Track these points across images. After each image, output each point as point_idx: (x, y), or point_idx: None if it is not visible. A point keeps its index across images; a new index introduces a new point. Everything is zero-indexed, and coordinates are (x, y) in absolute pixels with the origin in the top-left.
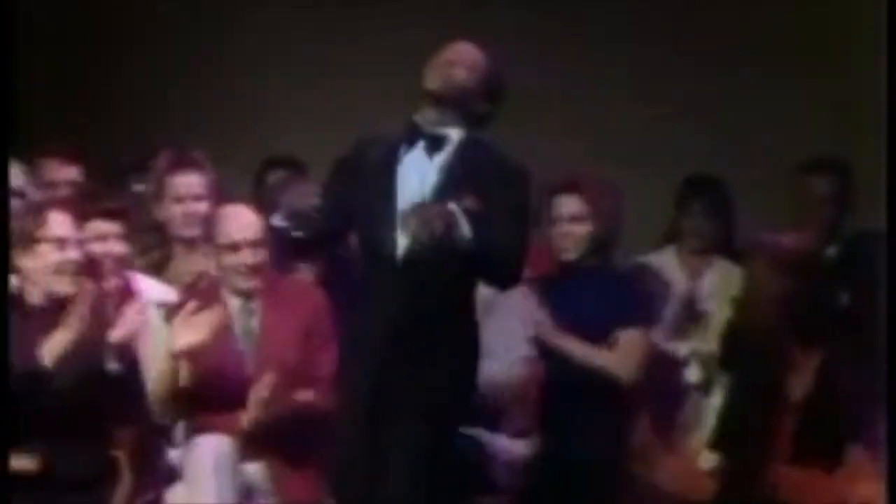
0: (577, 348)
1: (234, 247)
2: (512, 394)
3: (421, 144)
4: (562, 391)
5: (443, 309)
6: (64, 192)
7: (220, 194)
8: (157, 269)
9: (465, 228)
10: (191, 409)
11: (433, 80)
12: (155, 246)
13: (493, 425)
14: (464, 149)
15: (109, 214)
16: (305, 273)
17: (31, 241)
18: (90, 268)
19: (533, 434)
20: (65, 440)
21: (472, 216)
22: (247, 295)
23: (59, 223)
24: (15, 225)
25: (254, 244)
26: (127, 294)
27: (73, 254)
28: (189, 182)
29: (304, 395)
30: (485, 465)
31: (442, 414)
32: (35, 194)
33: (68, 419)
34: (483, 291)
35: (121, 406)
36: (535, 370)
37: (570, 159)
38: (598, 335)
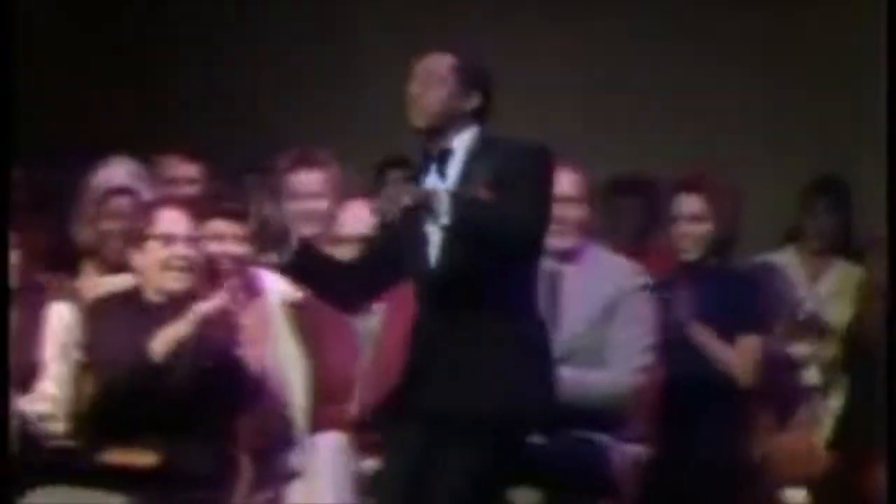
0: (710, 343)
1: (351, 241)
2: (628, 403)
3: (433, 167)
4: (680, 395)
5: (489, 319)
6: (182, 189)
7: (342, 192)
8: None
9: (442, 211)
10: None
11: (414, 118)
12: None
13: (612, 429)
14: (473, 150)
15: (229, 215)
16: None
17: (140, 238)
18: (207, 266)
19: (652, 438)
20: (185, 436)
21: (486, 204)
22: None
23: (168, 220)
24: (125, 222)
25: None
26: (251, 292)
27: (181, 250)
28: (309, 180)
29: None
30: (603, 469)
31: (498, 420)
32: (147, 191)
33: (188, 415)
34: (603, 297)
35: (237, 404)
36: (654, 375)
37: (689, 157)
38: (718, 336)
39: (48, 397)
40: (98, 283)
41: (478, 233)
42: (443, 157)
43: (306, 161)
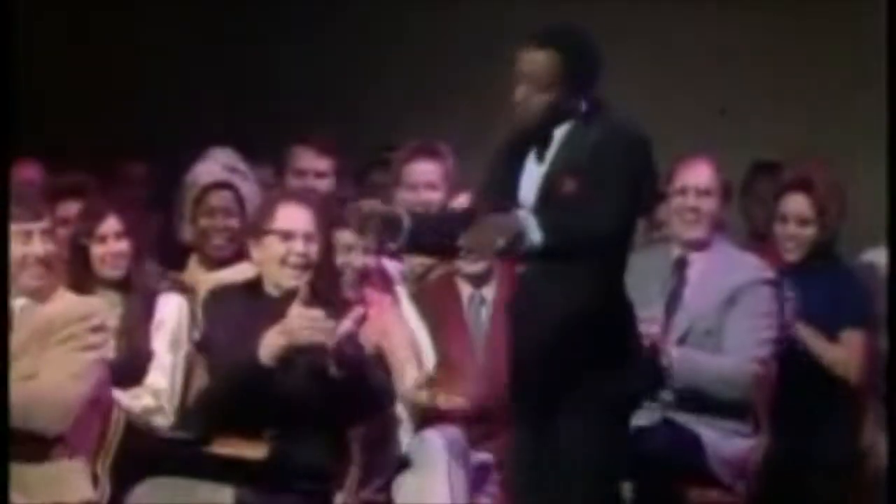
0: (815, 342)
1: None
2: (743, 392)
3: (533, 150)
4: (792, 391)
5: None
6: (311, 182)
7: (456, 184)
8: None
9: (534, 235)
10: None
11: (519, 120)
12: None
13: (724, 422)
14: (570, 138)
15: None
16: None
17: (260, 232)
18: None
19: (763, 433)
20: (296, 428)
21: (567, 202)
22: (477, 282)
23: (289, 216)
24: (224, 218)
25: None
26: (382, 286)
27: (300, 247)
28: (424, 170)
29: None
30: (713, 463)
31: (597, 406)
32: (245, 184)
33: (299, 408)
34: (727, 286)
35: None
36: (768, 369)
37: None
38: (824, 333)
39: (155, 390)
40: (215, 274)
41: (567, 248)
42: (544, 143)
43: (424, 152)
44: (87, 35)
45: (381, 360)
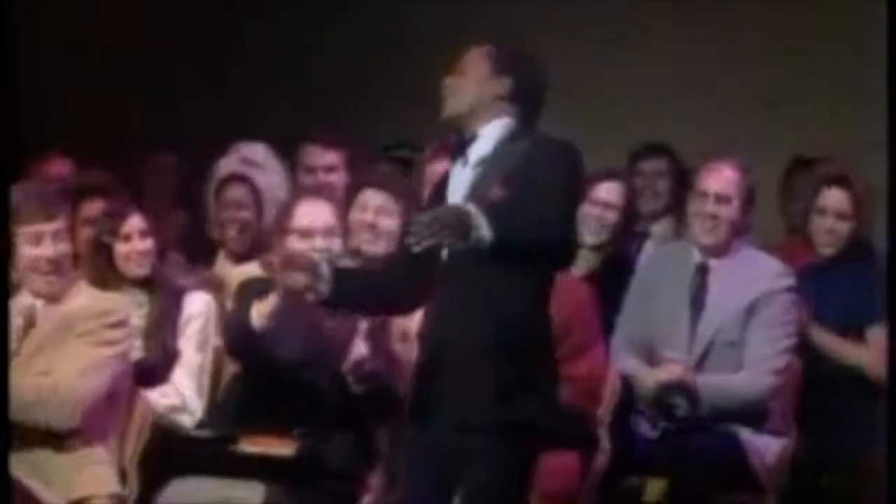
0: (833, 344)
1: None
2: (763, 404)
3: (460, 155)
4: (819, 390)
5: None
6: (322, 177)
7: None
8: None
9: (484, 232)
10: None
11: (444, 108)
12: None
13: (752, 424)
14: (500, 139)
15: (379, 186)
16: (578, 267)
17: (281, 232)
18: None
19: (792, 432)
20: (324, 428)
21: (500, 206)
22: None
23: (305, 213)
24: (238, 211)
25: None
26: None
27: (320, 243)
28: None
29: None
30: (744, 464)
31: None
32: (264, 177)
33: (326, 408)
34: (747, 296)
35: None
36: (788, 376)
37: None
38: (853, 330)
39: (181, 389)
40: (243, 268)
41: (514, 250)
42: (468, 141)
43: (445, 151)
44: (115, 29)
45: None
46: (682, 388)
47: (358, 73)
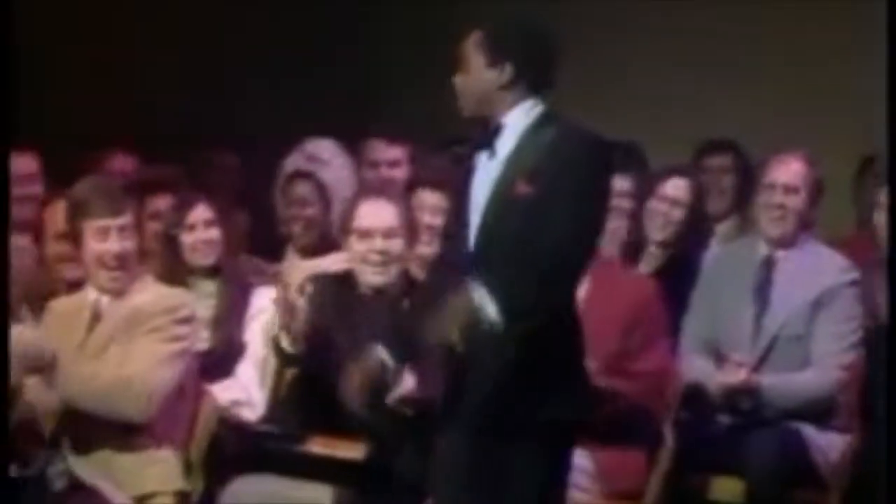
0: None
1: None
2: (830, 401)
3: (486, 147)
4: (884, 386)
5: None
6: (385, 172)
7: None
8: None
9: (490, 312)
10: None
11: (461, 109)
12: None
13: (818, 421)
14: (527, 126)
15: (435, 185)
16: (649, 261)
17: (345, 231)
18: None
19: (856, 430)
20: (394, 434)
21: (526, 202)
22: None
23: (366, 214)
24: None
25: None
26: None
27: (379, 244)
28: None
29: (623, 386)
30: (808, 461)
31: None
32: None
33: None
34: (813, 290)
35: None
36: (854, 372)
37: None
38: None
39: (245, 382)
40: (309, 263)
41: (525, 311)
42: (494, 133)
43: None
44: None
45: None
46: (746, 390)
47: (424, 67)
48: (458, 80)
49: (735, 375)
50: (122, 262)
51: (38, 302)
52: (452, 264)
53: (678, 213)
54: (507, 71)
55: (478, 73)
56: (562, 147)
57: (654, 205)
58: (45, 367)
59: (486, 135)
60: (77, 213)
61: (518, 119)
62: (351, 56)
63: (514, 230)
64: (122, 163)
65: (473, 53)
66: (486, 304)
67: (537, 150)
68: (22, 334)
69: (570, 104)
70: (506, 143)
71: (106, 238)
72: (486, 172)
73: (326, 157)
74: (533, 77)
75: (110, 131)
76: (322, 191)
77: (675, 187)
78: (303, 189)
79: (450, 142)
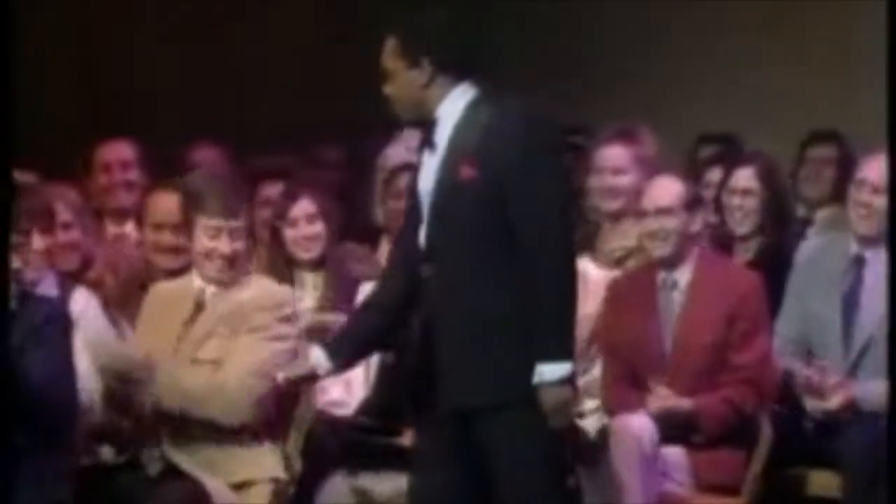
0: None
1: (657, 211)
2: None
3: (428, 144)
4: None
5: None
6: None
7: (650, 168)
8: (586, 244)
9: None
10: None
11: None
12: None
13: None
14: (461, 115)
15: None
16: (741, 254)
17: None
18: None
19: None
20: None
21: (472, 187)
22: (667, 264)
23: None
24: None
25: (674, 211)
26: None
27: None
28: (612, 154)
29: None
30: None
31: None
32: None
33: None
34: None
35: None
36: None
37: None
38: None
39: (350, 378)
40: None
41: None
42: (431, 128)
43: (618, 135)
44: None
45: None
46: (844, 410)
47: (533, 55)
48: (387, 90)
49: (832, 397)
50: (230, 263)
51: (135, 290)
52: (405, 261)
53: (752, 202)
54: (426, 67)
55: (402, 78)
56: (497, 126)
57: (727, 199)
58: (134, 379)
59: (425, 132)
60: (191, 205)
61: (450, 109)
62: None
63: (466, 216)
64: (208, 154)
65: (392, 60)
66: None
67: (474, 133)
68: (111, 346)
69: (677, 100)
70: (443, 133)
71: (217, 237)
72: (430, 166)
73: None
74: (455, 65)
75: (203, 124)
76: None
77: (742, 177)
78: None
79: (568, 131)
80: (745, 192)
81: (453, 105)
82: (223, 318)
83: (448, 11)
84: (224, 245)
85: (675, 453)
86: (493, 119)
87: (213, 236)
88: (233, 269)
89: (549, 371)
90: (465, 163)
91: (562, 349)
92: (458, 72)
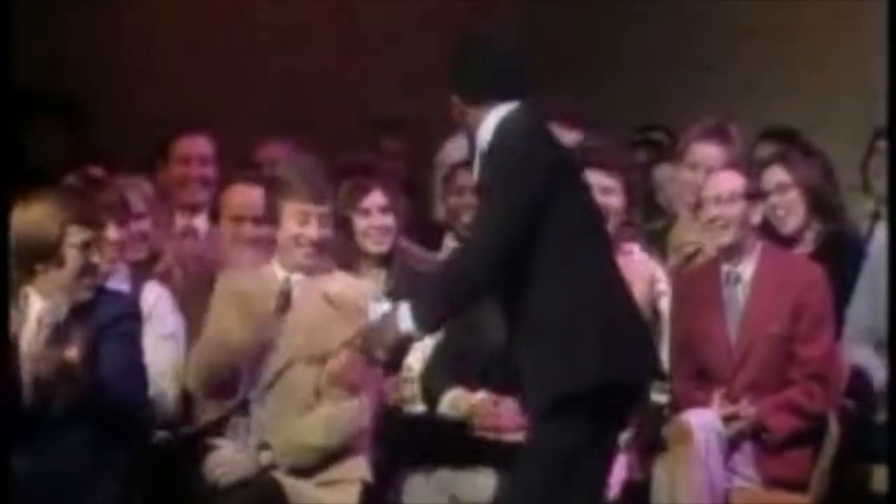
0: None
1: (717, 200)
2: None
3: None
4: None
5: None
6: None
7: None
8: (659, 238)
9: (405, 325)
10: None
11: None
12: (658, 214)
13: None
14: (490, 140)
15: (595, 164)
16: (803, 247)
17: None
18: None
19: None
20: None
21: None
22: (730, 256)
23: None
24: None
25: (734, 199)
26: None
27: None
28: (707, 153)
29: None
30: None
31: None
32: None
33: None
34: None
35: None
36: None
37: None
38: None
39: (414, 374)
40: None
41: (445, 311)
42: (471, 152)
43: (712, 133)
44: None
45: None
46: None
47: (615, 52)
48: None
49: None
50: (318, 248)
51: (204, 284)
52: None
53: (790, 197)
54: (456, 102)
55: (452, 111)
56: (494, 140)
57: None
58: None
59: (471, 155)
60: (279, 192)
61: (484, 133)
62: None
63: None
64: (281, 149)
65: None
66: (403, 315)
67: (483, 158)
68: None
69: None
70: (477, 156)
71: (306, 223)
72: (475, 170)
73: None
74: (474, 94)
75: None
76: None
77: (773, 175)
78: (470, 178)
79: (644, 128)
80: (780, 188)
81: (486, 129)
82: (313, 313)
83: (462, 45)
84: (312, 230)
85: (742, 449)
86: (497, 135)
87: (302, 221)
88: (319, 256)
89: (405, 317)
90: (474, 195)
91: (417, 320)
92: (486, 98)
